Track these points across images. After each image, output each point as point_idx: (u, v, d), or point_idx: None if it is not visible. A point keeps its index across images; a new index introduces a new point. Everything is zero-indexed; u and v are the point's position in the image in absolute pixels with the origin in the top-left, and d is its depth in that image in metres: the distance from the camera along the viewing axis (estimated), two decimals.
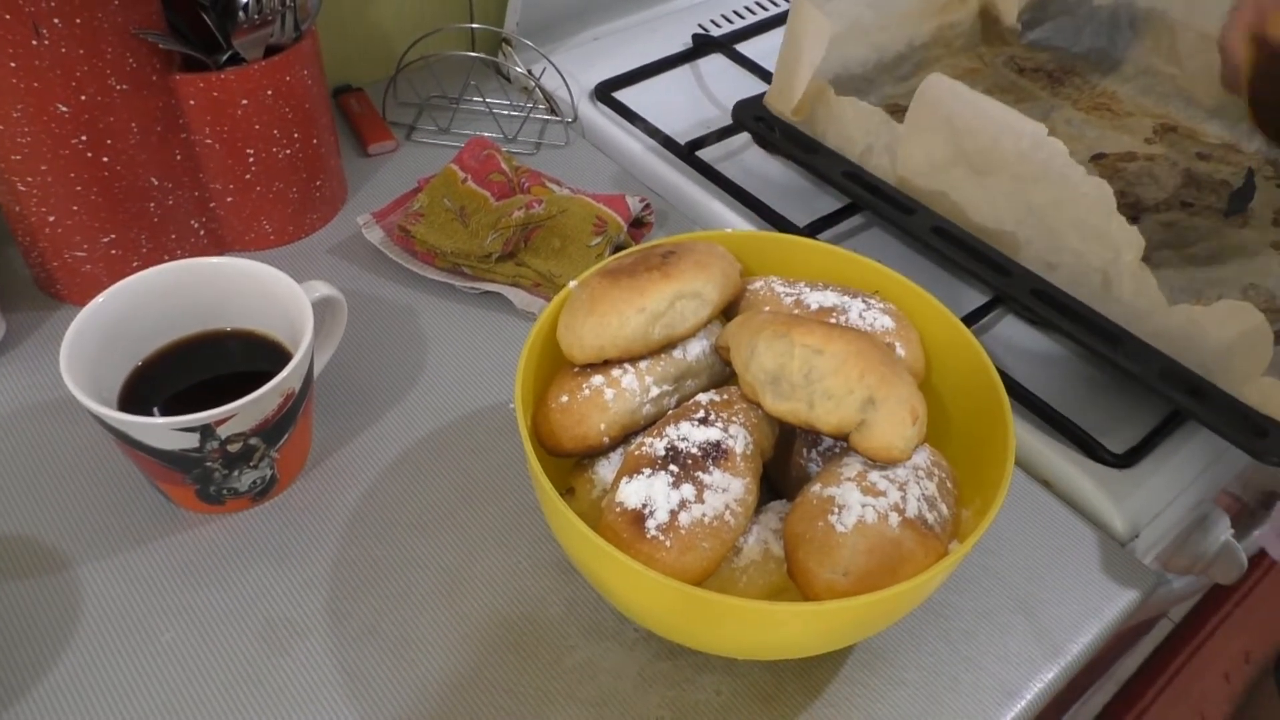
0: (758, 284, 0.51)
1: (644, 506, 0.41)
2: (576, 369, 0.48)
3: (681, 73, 0.86)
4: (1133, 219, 0.72)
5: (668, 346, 0.48)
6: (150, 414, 0.49)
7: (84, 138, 0.55)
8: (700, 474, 0.41)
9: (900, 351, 0.47)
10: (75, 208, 0.58)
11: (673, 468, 0.42)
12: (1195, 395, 0.55)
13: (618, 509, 0.41)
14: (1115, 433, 0.58)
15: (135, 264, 0.61)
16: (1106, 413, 0.59)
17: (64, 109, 0.54)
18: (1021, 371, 0.61)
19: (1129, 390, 0.61)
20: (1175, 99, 0.83)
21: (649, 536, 0.40)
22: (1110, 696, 1.22)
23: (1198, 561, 0.60)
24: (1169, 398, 0.56)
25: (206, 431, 0.46)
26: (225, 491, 0.50)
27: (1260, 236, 0.71)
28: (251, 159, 0.63)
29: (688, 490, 0.41)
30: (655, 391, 0.47)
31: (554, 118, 0.81)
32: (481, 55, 0.83)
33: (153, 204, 0.61)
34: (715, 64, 0.87)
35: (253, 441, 0.48)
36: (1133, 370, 0.57)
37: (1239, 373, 0.55)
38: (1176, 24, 0.83)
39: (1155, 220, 0.72)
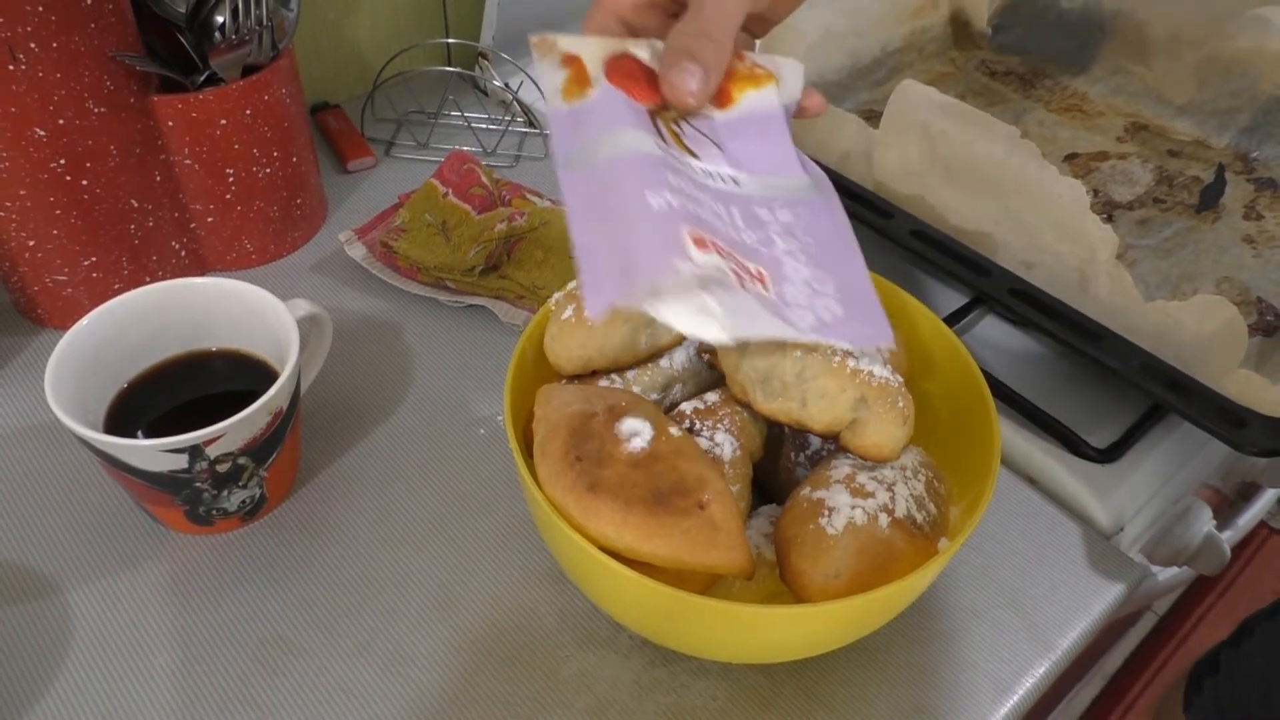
0: None
1: None
2: (564, 380, 0.48)
3: None
4: (1107, 217, 0.73)
5: (654, 355, 0.48)
6: (137, 436, 0.49)
7: (63, 161, 0.55)
8: None
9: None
10: (55, 231, 0.58)
11: None
12: (1175, 389, 0.56)
13: None
14: (1097, 428, 0.59)
15: (117, 286, 0.61)
16: (1088, 409, 0.60)
17: (42, 133, 0.54)
18: (1003, 370, 0.62)
19: (1109, 386, 0.62)
20: (1145, 98, 0.85)
21: None
22: (1098, 691, 1.23)
23: (1181, 553, 0.61)
24: (1149, 392, 0.57)
25: (195, 452, 0.45)
26: (214, 512, 0.50)
27: (1232, 231, 0.72)
28: (231, 178, 0.63)
29: None
30: None
31: (532, 130, 0.81)
32: (458, 70, 0.83)
33: (133, 226, 0.60)
34: None
35: (241, 461, 0.48)
36: (1113, 366, 0.57)
37: (1217, 366, 0.55)
38: (1144, 23, 0.84)
39: (1129, 218, 0.73)
